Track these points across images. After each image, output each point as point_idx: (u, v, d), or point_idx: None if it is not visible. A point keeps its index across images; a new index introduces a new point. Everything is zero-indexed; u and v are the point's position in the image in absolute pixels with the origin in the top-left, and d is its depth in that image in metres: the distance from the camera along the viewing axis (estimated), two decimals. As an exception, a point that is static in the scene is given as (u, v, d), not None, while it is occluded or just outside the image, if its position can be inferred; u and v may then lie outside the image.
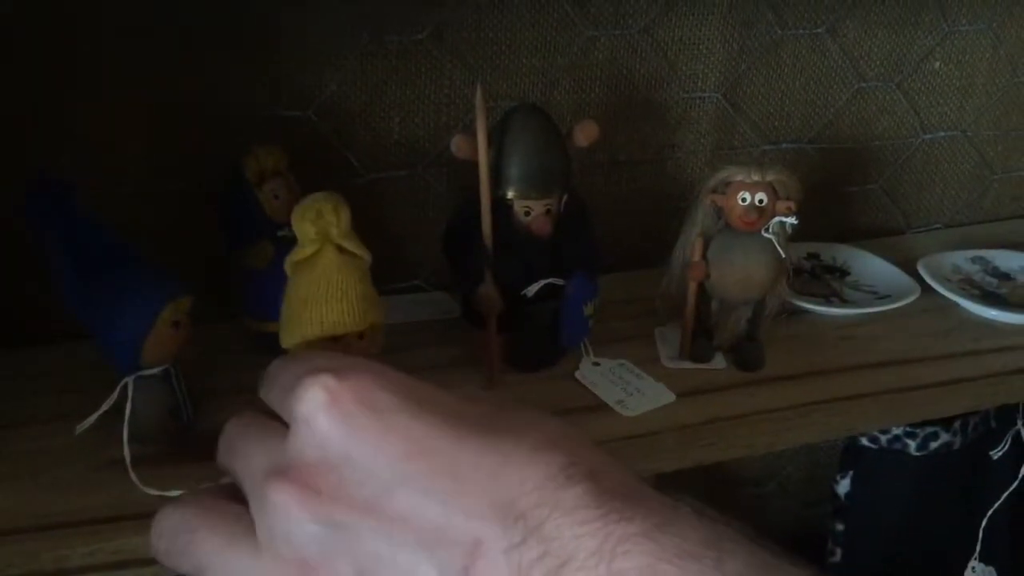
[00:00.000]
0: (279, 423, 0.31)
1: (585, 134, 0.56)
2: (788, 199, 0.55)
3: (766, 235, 0.56)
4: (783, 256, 0.57)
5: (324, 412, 0.29)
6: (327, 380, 0.29)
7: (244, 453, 0.31)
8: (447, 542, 0.28)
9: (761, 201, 0.52)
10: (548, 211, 0.55)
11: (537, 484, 0.28)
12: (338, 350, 0.48)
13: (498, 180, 0.54)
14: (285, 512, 0.28)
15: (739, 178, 0.56)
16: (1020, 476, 0.83)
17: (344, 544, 0.28)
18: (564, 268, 0.57)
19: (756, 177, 0.53)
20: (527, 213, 0.55)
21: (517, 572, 0.27)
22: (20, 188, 0.50)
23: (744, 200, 0.51)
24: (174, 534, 0.32)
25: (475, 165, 0.53)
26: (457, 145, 0.53)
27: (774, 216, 0.54)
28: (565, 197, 0.57)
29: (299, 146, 0.61)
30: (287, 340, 0.47)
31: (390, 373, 0.30)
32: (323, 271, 0.47)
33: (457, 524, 0.28)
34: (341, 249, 0.47)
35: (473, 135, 0.52)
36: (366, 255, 0.48)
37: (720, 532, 0.28)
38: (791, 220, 0.53)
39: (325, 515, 0.28)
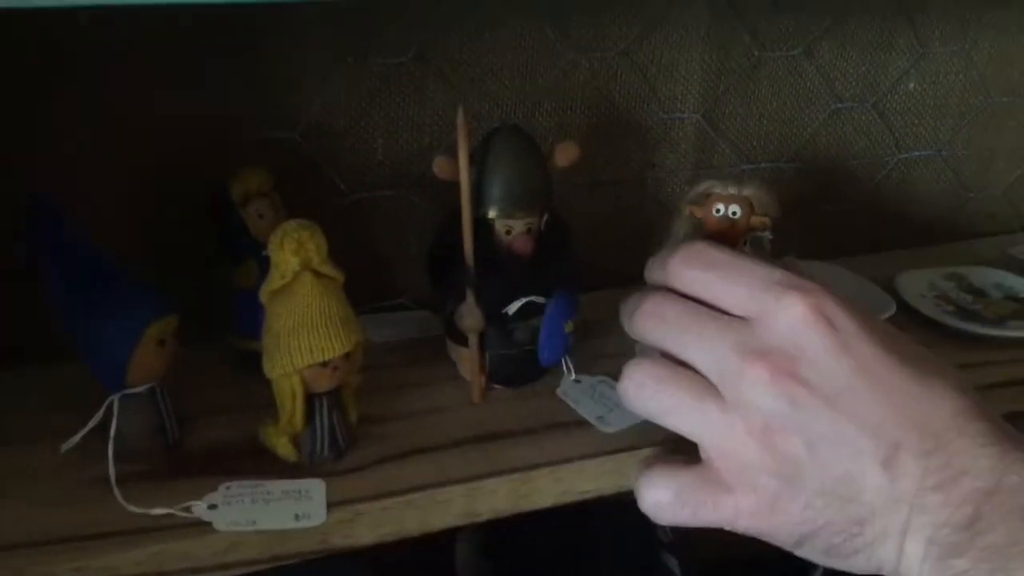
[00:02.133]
0: (709, 309, 0.40)
1: (565, 155, 0.57)
2: (764, 215, 0.55)
3: (744, 249, 0.57)
4: None
5: (806, 320, 0.37)
6: (808, 297, 0.38)
7: (704, 329, 0.40)
8: (877, 438, 0.36)
9: (735, 213, 0.52)
10: (529, 230, 0.56)
11: (950, 414, 0.36)
12: (325, 373, 0.48)
13: (479, 200, 0.55)
14: (762, 384, 0.37)
15: (716, 190, 0.57)
16: None
17: (801, 420, 0.37)
18: (545, 286, 0.57)
19: (732, 190, 0.53)
20: (508, 232, 0.56)
21: (923, 473, 0.35)
22: (7, 209, 0.51)
23: (718, 211, 0.52)
24: (644, 380, 0.41)
25: (457, 185, 0.54)
26: (439, 166, 0.54)
27: (749, 231, 0.55)
28: (546, 216, 0.58)
29: (284, 167, 0.62)
30: (274, 370, 0.48)
31: (846, 301, 0.39)
32: (304, 298, 0.47)
33: (887, 428, 0.36)
34: (317, 274, 0.48)
35: (455, 156, 0.53)
36: (340, 276, 0.49)
37: None
38: (766, 235, 0.54)
39: (793, 395, 0.37)
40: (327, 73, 0.65)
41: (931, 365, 0.39)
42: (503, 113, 0.70)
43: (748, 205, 0.56)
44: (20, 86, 0.58)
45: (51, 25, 0.56)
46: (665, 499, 0.42)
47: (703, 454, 0.41)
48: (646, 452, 0.54)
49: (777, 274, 0.39)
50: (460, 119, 0.52)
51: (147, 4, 0.36)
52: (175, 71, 0.61)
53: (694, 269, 0.41)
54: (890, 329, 0.40)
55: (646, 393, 0.42)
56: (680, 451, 0.44)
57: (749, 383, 0.38)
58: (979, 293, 0.77)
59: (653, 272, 0.44)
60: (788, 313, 0.38)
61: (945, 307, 0.73)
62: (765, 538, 0.40)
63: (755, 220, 0.55)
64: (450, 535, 0.76)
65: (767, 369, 0.37)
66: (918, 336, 0.69)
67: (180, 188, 0.62)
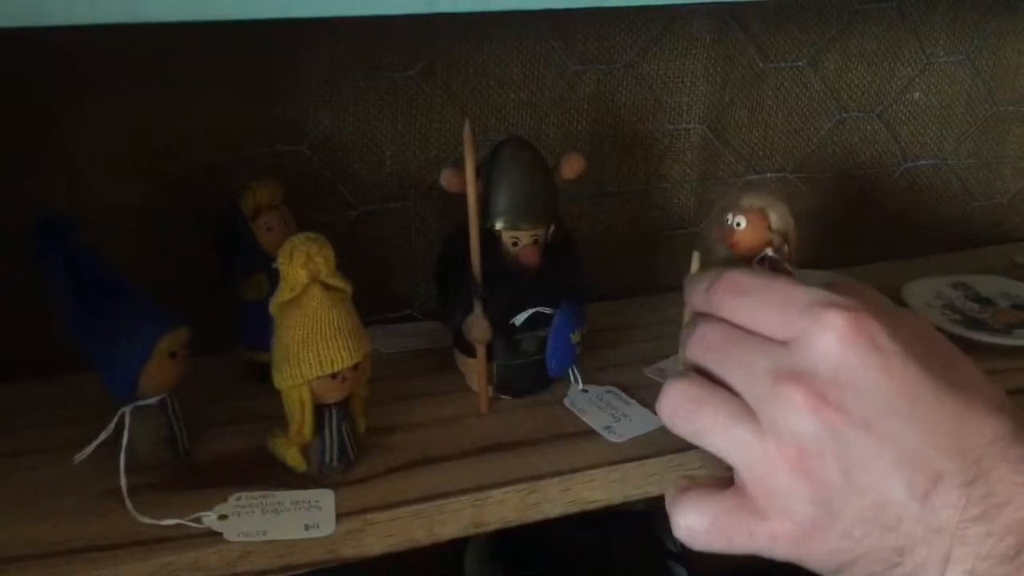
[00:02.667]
0: (753, 335, 0.40)
1: (571, 167, 0.58)
2: (778, 230, 0.55)
3: (758, 265, 0.56)
4: None
5: (843, 341, 0.36)
6: (847, 316, 0.37)
7: (744, 354, 0.39)
8: (917, 467, 0.35)
9: (739, 224, 0.52)
10: (536, 241, 0.57)
11: (991, 439, 0.35)
12: (334, 384, 0.49)
13: (486, 212, 0.56)
14: (797, 408, 0.36)
15: (732, 197, 0.56)
16: None
17: (837, 446, 0.36)
18: (552, 297, 0.58)
19: (743, 200, 0.53)
20: (515, 244, 0.56)
21: (965, 503, 0.35)
22: (19, 225, 0.52)
23: (727, 220, 0.52)
24: (682, 401, 0.41)
25: (464, 197, 0.54)
26: (446, 178, 0.54)
27: (762, 246, 0.54)
28: (552, 228, 0.58)
29: (294, 180, 0.62)
30: (284, 382, 0.49)
31: (886, 316, 0.37)
32: (314, 311, 0.48)
33: (928, 455, 0.35)
34: (326, 285, 0.48)
35: (462, 168, 0.54)
36: (349, 288, 0.49)
37: None
38: (768, 252, 0.54)
39: (829, 419, 0.36)
40: (336, 87, 0.66)
41: (974, 383, 0.38)
42: (510, 126, 0.71)
43: (760, 218, 0.55)
44: (33, 104, 0.59)
45: (62, 42, 0.57)
46: (700, 526, 0.41)
47: (737, 478, 0.40)
48: (655, 463, 0.54)
49: (815, 294, 0.38)
50: (466, 132, 0.53)
51: (158, 21, 0.37)
52: (185, 86, 0.62)
53: (732, 298, 0.41)
54: (933, 341, 0.39)
55: (682, 413, 0.41)
56: (715, 476, 0.43)
57: (783, 407, 0.37)
58: (986, 302, 0.77)
59: (695, 300, 0.44)
60: (825, 333, 0.37)
61: (952, 316, 0.73)
62: (803, 564, 0.39)
63: (772, 236, 0.55)
64: (459, 542, 0.77)
65: (802, 393, 0.37)
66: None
67: (191, 201, 0.63)
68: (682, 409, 0.41)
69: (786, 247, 0.56)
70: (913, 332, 0.38)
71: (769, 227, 0.55)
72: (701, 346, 0.41)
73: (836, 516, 0.37)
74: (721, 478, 0.42)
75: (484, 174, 0.56)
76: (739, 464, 0.40)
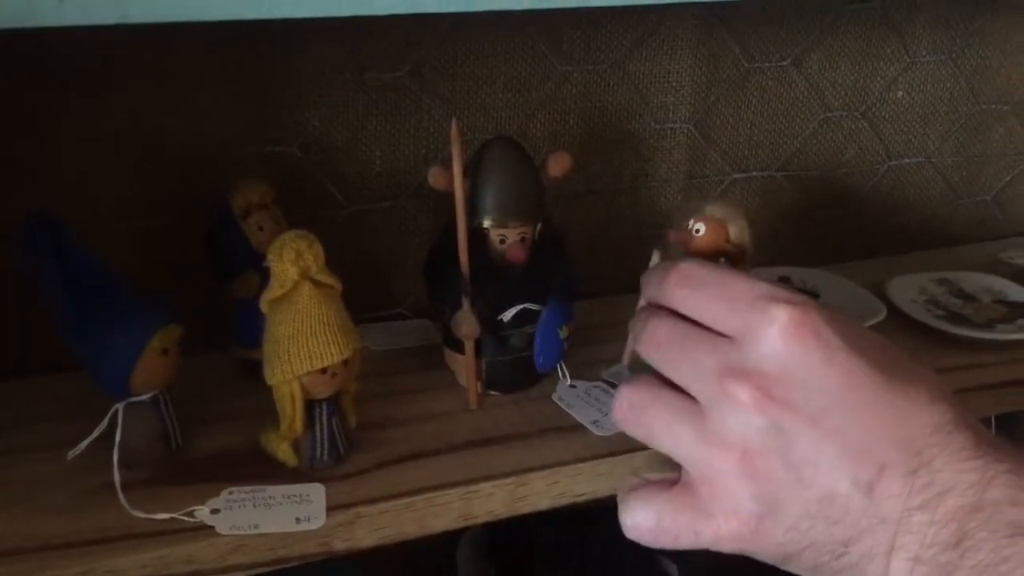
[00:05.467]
0: (697, 327, 0.40)
1: (558, 165, 0.58)
2: (736, 243, 0.55)
3: None
4: None
5: (788, 335, 0.36)
6: (791, 310, 0.37)
7: (692, 352, 0.39)
8: (861, 459, 0.35)
9: (698, 231, 0.53)
10: (523, 239, 0.57)
11: (933, 428, 0.36)
12: (324, 379, 0.50)
13: (474, 209, 0.56)
14: (742, 406, 0.37)
15: (696, 203, 0.57)
16: None
17: (783, 443, 0.36)
18: (540, 293, 0.59)
19: (706, 208, 0.54)
20: (502, 241, 0.57)
21: (908, 493, 0.35)
22: (11, 223, 0.52)
23: (689, 224, 0.53)
24: (630, 404, 0.42)
25: (452, 196, 0.55)
26: (434, 176, 0.55)
27: (717, 256, 0.55)
28: (540, 225, 0.59)
29: (284, 180, 0.63)
30: (275, 377, 0.49)
31: (828, 312, 0.38)
32: (303, 306, 0.49)
33: (872, 447, 0.36)
34: (315, 282, 0.49)
35: (449, 166, 0.54)
36: (338, 284, 0.50)
37: None
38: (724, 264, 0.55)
39: (774, 417, 0.36)
40: (325, 88, 0.66)
41: (914, 375, 0.38)
42: (497, 125, 0.72)
43: (717, 226, 0.56)
44: (24, 104, 0.60)
45: (53, 42, 0.58)
46: (646, 524, 0.42)
47: (685, 477, 0.41)
48: (641, 457, 0.55)
49: (762, 288, 0.39)
50: (453, 131, 0.53)
51: (148, 23, 0.37)
52: (176, 87, 0.63)
53: (682, 288, 0.41)
54: (874, 338, 0.39)
55: (632, 417, 0.42)
56: (664, 471, 0.44)
57: (730, 405, 0.37)
58: (969, 297, 0.78)
59: (649, 289, 0.44)
60: (771, 327, 0.37)
61: (935, 311, 0.74)
62: (750, 555, 0.40)
63: (729, 248, 0.55)
64: (452, 538, 0.77)
65: (747, 390, 0.37)
66: (908, 340, 0.70)
67: (182, 201, 0.64)
68: (632, 412, 0.42)
69: (742, 264, 0.57)
70: (854, 327, 0.38)
71: (727, 239, 0.56)
72: (651, 343, 0.42)
73: (782, 512, 0.37)
74: (671, 477, 0.42)
75: (471, 172, 0.56)
76: (686, 463, 0.40)
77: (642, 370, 0.51)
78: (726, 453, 0.38)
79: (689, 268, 0.41)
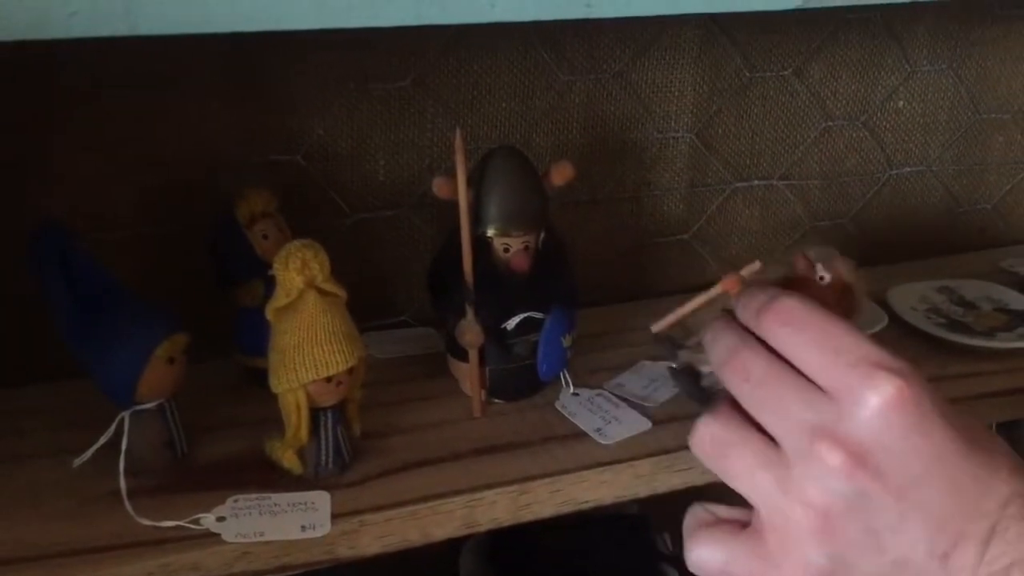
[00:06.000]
0: (793, 371, 0.39)
1: (561, 174, 0.59)
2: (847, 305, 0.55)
3: None
4: None
5: (892, 409, 0.35)
6: (898, 382, 0.36)
7: (784, 398, 0.38)
8: (941, 530, 0.35)
9: (822, 278, 0.53)
10: (526, 248, 0.58)
11: (1008, 497, 0.36)
12: (330, 387, 0.50)
13: (478, 219, 0.57)
14: (831, 470, 0.36)
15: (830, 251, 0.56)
16: None
17: (867, 510, 0.36)
18: (543, 302, 0.59)
19: (842, 263, 0.54)
20: (506, 250, 0.57)
21: (980, 560, 0.35)
22: (17, 232, 0.53)
23: (817, 268, 0.53)
24: (714, 442, 0.40)
25: (456, 205, 0.55)
26: (438, 186, 0.55)
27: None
28: (543, 234, 0.59)
29: (288, 189, 0.63)
30: (280, 385, 0.50)
31: (926, 381, 0.36)
32: (309, 315, 0.49)
33: (953, 518, 0.35)
34: (321, 291, 0.49)
35: (453, 176, 0.55)
36: (343, 293, 0.50)
37: None
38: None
39: (863, 485, 0.36)
40: (329, 98, 0.67)
41: (993, 446, 0.38)
42: (501, 134, 0.72)
43: (842, 282, 0.55)
44: (30, 114, 0.60)
45: (60, 52, 0.58)
46: (713, 565, 0.41)
47: (756, 522, 0.40)
48: (646, 464, 0.55)
49: (868, 348, 0.37)
50: (457, 141, 0.54)
51: (157, 35, 0.38)
52: (181, 97, 0.63)
53: (784, 326, 0.39)
54: (953, 408, 0.38)
55: (714, 451, 0.41)
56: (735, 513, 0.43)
57: (818, 465, 0.37)
58: (970, 305, 0.78)
59: (745, 312, 0.42)
60: (875, 398, 0.36)
61: (936, 319, 0.75)
62: None
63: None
64: (455, 545, 0.78)
65: (840, 456, 0.36)
66: (909, 349, 0.70)
67: (186, 209, 0.64)
68: (714, 448, 0.41)
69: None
70: (941, 395, 0.37)
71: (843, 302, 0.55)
72: (741, 375, 0.40)
73: (851, 571, 0.37)
74: (741, 519, 0.42)
75: (475, 182, 0.57)
76: (762, 509, 0.39)
77: (666, 352, 0.51)
78: (806, 509, 0.37)
79: (793, 305, 0.40)
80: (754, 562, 0.39)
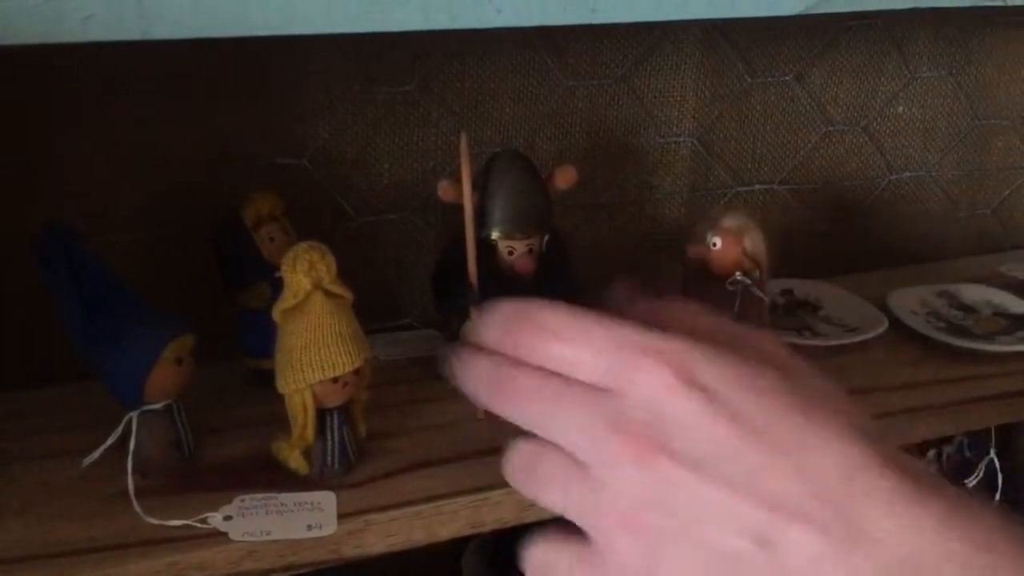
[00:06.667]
0: (563, 378, 0.35)
1: (564, 178, 0.59)
2: (751, 255, 0.56)
3: (729, 287, 0.59)
4: (736, 309, 0.58)
5: (666, 386, 0.33)
6: (665, 357, 0.33)
7: (561, 406, 0.35)
8: (758, 511, 0.31)
9: (714, 244, 0.54)
10: (530, 250, 0.58)
11: (851, 470, 0.31)
12: (336, 388, 0.50)
13: (482, 222, 0.57)
14: (622, 462, 0.33)
15: (713, 216, 0.58)
16: (995, 503, 0.86)
17: (670, 499, 0.32)
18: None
19: (722, 220, 0.55)
20: (510, 253, 0.58)
21: (821, 544, 0.30)
22: (24, 234, 0.53)
23: (706, 238, 0.54)
24: (517, 462, 0.36)
25: (461, 208, 0.56)
26: (443, 189, 0.56)
27: (733, 268, 0.56)
28: (546, 237, 0.60)
29: (294, 192, 0.64)
30: (287, 386, 0.50)
31: (711, 352, 0.34)
32: (316, 316, 0.50)
33: (773, 496, 0.31)
34: (328, 293, 0.50)
35: (458, 180, 0.55)
36: (350, 295, 0.51)
37: (1008, 521, 0.31)
38: (743, 279, 0.55)
39: (658, 471, 0.32)
40: (334, 102, 0.67)
41: (828, 408, 0.34)
42: (504, 138, 0.73)
43: (735, 239, 0.56)
44: (37, 117, 0.61)
45: (67, 55, 0.59)
46: (557, 569, 0.37)
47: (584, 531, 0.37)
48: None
49: (629, 333, 0.35)
50: (463, 144, 0.54)
51: (170, 39, 0.38)
52: (187, 100, 0.64)
53: (537, 338, 0.36)
54: (775, 374, 0.35)
55: (520, 477, 0.38)
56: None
57: (611, 463, 0.34)
58: (969, 309, 0.79)
59: (489, 334, 0.37)
60: (647, 380, 0.33)
61: (936, 323, 0.75)
62: None
63: (745, 260, 0.56)
64: (458, 544, 0.78)
65: (627, 445, 0.33)
66: (909, 352, 0.71)
67: (193, 213, 0.64)
68: (519, 472, 0.37)
69: (757, 272, 0.58)
70: (746, 365, 0.34)
71: (744, 251, 0.57)
72: (510, 397, 0.36)
73: (667, 566, 0.33)
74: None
75: (480, 185, 0.57)
76: (578, 521, 0.36)
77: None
78: (611, 510, 0.34)
79: (543, 314, 0.36)
80: (584, 570, 0.36)
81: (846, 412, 0.33)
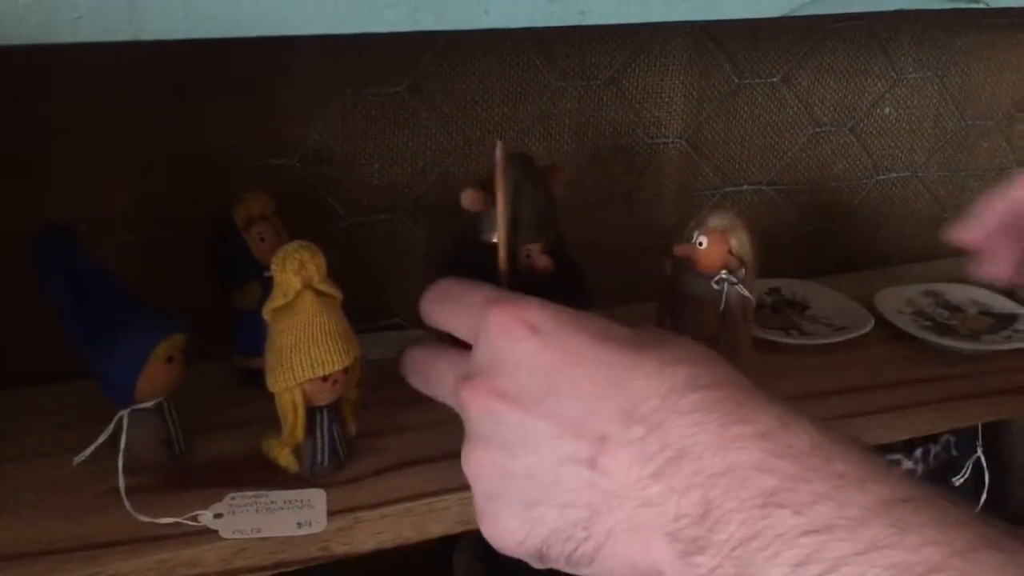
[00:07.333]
0: (451, 344, 0.42)
1: (556, 177, 0.59)
2: (737, 255, 0.56)
3: (715, 285, 0.59)
4: (721, 307, 0.59)
5: (499, 329, 0.37)
6: (506, 307, 0.37)
7: (437, 369, 0.42)
8: (577, 435, 0.34)
9: (700, 243, 0.54)
10: (545, 250, 0.57)
11: (660, 394, 0.34)
12: (326, 386, 0.51)
13: (488, 225, 0.55)
14: (468, 408, 0.38)
15: (701, 216, 0.59)
16: (981, 502, 0.87)
17: (503, 435, 0.36)
18: (561, 301, 0.58)
19: (709, 220, 0.55)
20: (527, 256, 0.57)
21: (637, 460, 0.33)
22: (18, 234, 0.53)
23: (693, 237, 0.55)
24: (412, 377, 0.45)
25: (461, 213, 0.55)
26: (469, 198, 0.54)
27: (720, 267, 0.56)
28: (553, 237, 0.59)
29: (285, 193, 0.64)
30: (278, 385, 0.50)
31: (549, 306, 0.38)
32: (306, 315, 0.50)
33: (589, 421, 0.34)
34: (317, 292, 0.50)
35: (481, 189, 0.54)
36: (339, 294, 0.51)
37: (831, 438, 0.32)
38: (729, 277, 0.56)
39: (493, 410, 0.36)
40: (325, 103, 0.68)
41: (644, 343, 0.36)
42: (493, 139, 0.73)
43: (721, 239, 0.57)
44: (30, 116, 0.61)
45: (59, 55, 0.59)
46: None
47: None
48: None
49: (483, 293, 0.40)
50: (499, 154, 0.51)
51: (160, 39, 0.39)
52: (178, 100, 0.64)
53: (433, 305, 0.44)
54: (603, 322, 0.38)
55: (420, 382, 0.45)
56: None
57: (463, 410, 0.38)
58: (955, 309, 0.79)
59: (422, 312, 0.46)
60: (488, 329, 0.37)
61: (922, 323, 0.76)
62: (519, 556, 0.38)
63: (730, 260, 0.56)
64: (449, 542, 0.78)
65: (469, 390, 0.37)
66: (896, 351, 0.72)
67: (185, 213, 0.65)
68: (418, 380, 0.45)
69: (743, 271, 0.58)
70: (581, 316, 0.37)
71: (729, 250, 0.57)
72: (411, 369, 0.45)
73: (513, 504, 0.36)
74: None
75: (489, 191, 0.55)
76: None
77: None
78: (469, 454, 0.38)
79: (440, 285, 0.44)
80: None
81: (669, 343, 0.36)
